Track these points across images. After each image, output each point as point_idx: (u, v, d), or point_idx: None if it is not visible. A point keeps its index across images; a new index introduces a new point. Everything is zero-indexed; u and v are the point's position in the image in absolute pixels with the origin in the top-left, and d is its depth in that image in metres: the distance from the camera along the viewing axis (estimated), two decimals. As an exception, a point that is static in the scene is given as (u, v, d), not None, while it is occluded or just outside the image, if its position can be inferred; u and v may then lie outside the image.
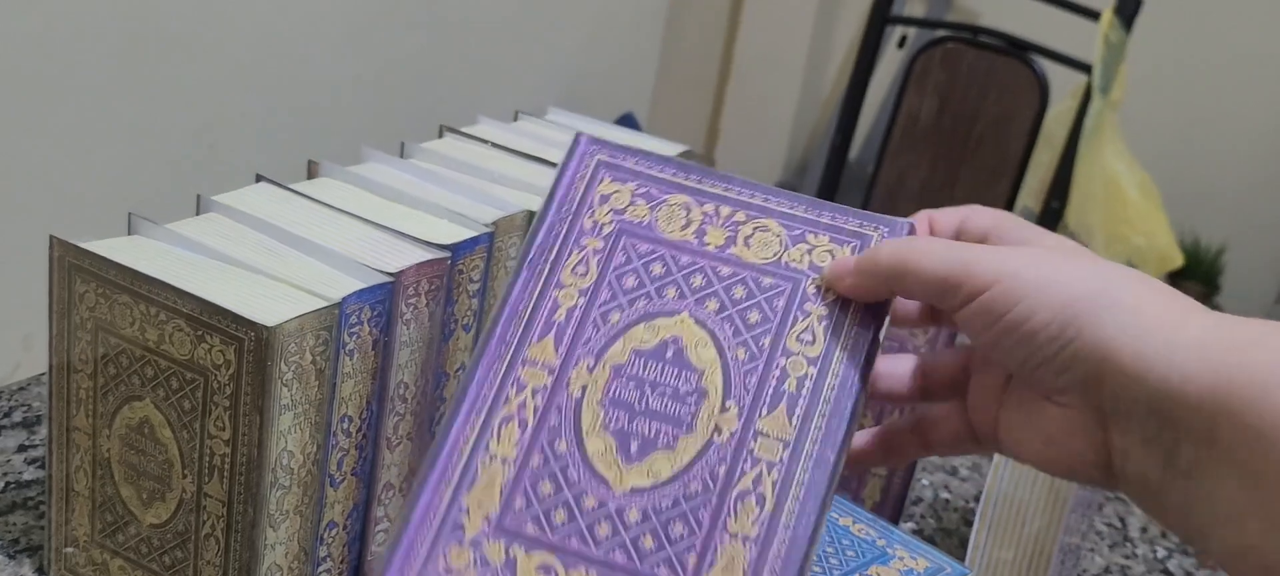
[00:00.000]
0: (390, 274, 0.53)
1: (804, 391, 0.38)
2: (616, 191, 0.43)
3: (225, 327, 0.47)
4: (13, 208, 0.88)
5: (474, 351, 0.42)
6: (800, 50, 3.19)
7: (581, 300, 0.41)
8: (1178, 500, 0.34)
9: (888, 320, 0.41)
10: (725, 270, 0.41)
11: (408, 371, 0.57)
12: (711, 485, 0.37)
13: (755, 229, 0.41)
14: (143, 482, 0.52)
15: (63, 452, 0.54)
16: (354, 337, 0.52)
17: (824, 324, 0.39)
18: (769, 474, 0.37)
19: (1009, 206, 1.92)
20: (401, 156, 0.72)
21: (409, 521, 0.37)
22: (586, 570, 0.36)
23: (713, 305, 0.40)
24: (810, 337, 0.39)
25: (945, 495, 0.82)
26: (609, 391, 0.39)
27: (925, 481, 0.83)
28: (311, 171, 0.67)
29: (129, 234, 0.54)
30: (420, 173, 0.69)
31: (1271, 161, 2.81)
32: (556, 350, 0.40)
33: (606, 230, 0.42)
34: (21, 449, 0.67)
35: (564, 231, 0.42)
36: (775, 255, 0.41)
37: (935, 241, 0.40)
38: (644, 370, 0.39)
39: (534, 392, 0.39)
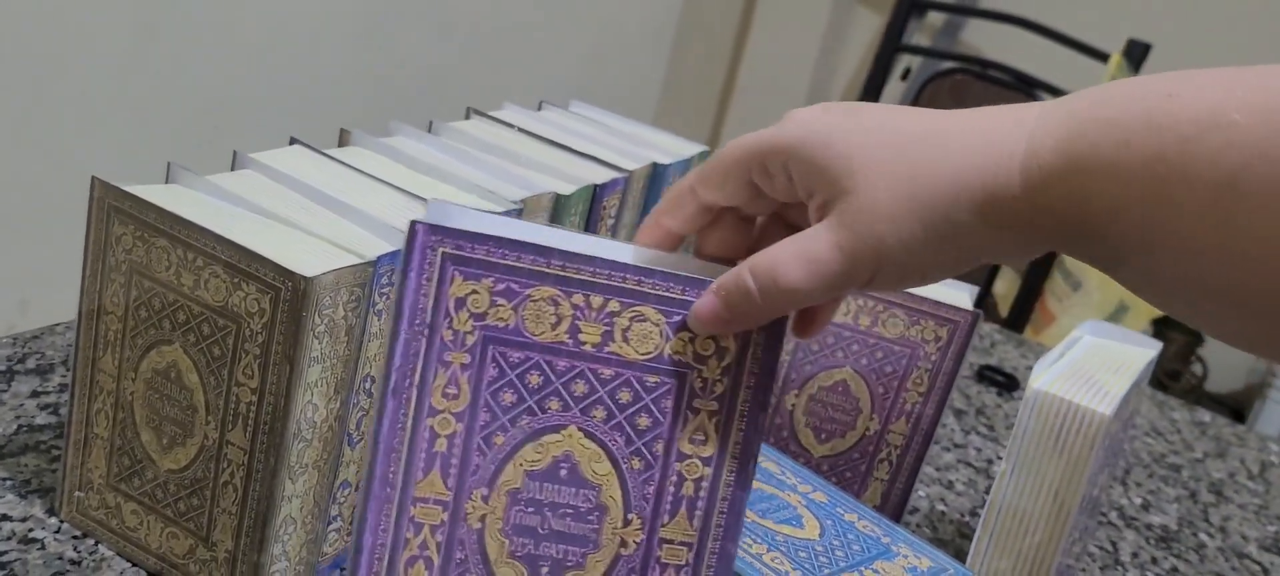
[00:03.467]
0: (422, 239, 0.54)
1: (701, 493, 0.38)
2: (473, 292, 0.37)
3: (263, 276, 0.48)
4: (13, 180, 0.88)
5: (359, 494, 0.39)
6: (804, 75, 3.22)
7: (459, 426, 0.37)
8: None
9: (772, 397, 0.40)
10: (607, 371, 0.38)
11: (430, 339, 0.58)
12: None
13: (632, 320, 0.38)
14: (164, 427, 0.53)
15: (85, 395, 0.55)
16: (383, 298, 0.52)
17: (715, 420, 0.38)
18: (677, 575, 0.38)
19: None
20: (429, 132, 0.72)
21: None
22: None
23: (599, 414, 0.38)
24: (702, 437, 0.38)
25: (941, 507, 0.83)
26: (509, 518, 0.38)
27: (922, 492, 0.84)
28: (343, 139, 0.67)
29: (167, 182, 0.55)
30: (448, 149, 0.70)
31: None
32: (445, 484, 0.38)
33: (470, 341, 0.37)
34: (34, 394, 0.67)
35: (423, 349, 0.37)
36: (656, 349, 0.38)
37: (786, 254, 0.37)
38: (540, 492, 0.38)
39: (432, 530, 0.38)
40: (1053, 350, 0.67)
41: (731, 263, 0.40)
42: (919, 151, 0.35)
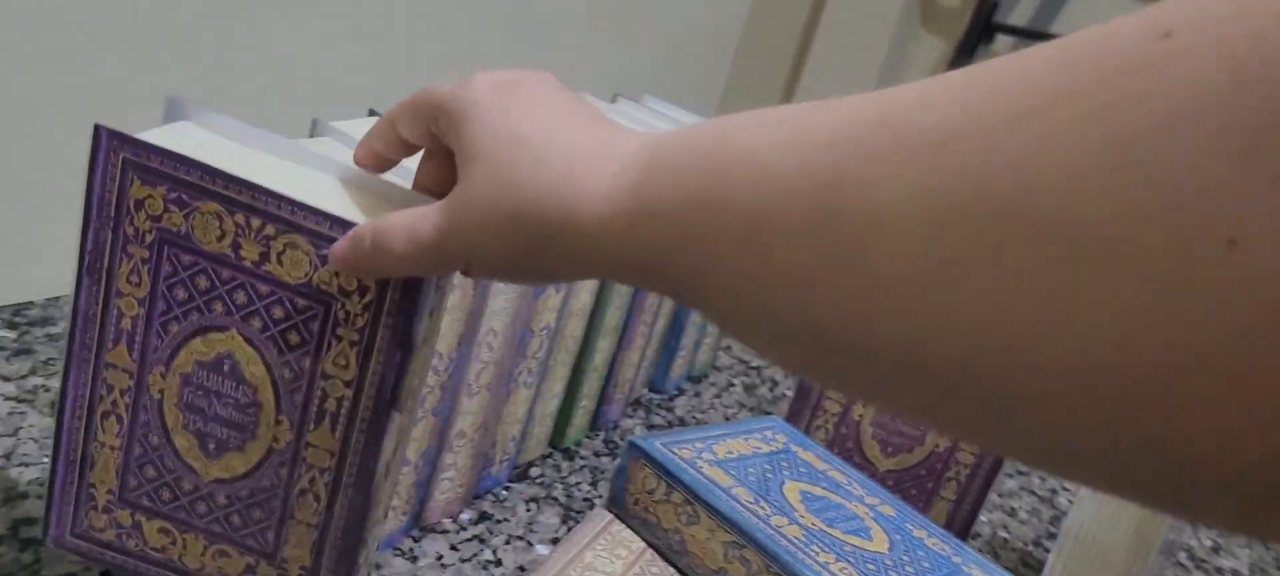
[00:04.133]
0: (499, 216, 0.53)
1: (342, 411, 0.42)
2: (149, 196, 0.40)
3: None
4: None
5: (63, 352, 0.44)
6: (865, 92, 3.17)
7: (141, 310, 0.42)
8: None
9: (419, 326, 0.41)
10: (264, 288, 0.41)
11: (499, 319, 0.57)
12: (277, 482, 0.43)
13: (286, 245, 0.40)
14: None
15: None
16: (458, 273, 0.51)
17: (355, 350, 0.41)
18: (321, 477, 0.43)
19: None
20: (505, 115, 0.71)
21: (52, 495, 0.45)
22: (195, 535, 0.45)
23: (257, 324, 0.41)
24: (344, 362, 0.41)
25: (1004, 534, 0.81)
26: (182, 397, 0.43)
27: (984, 518, 0.82)
28: (419, 114, 0.67)
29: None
30: (523, 132, 0.69)
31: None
32: (131, 355, 0.43)
33: (148, 238, 0.41)
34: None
35: (110, 238, 0.41)
36: (306, 276, 0.40)
37: (400, 222, 0.37)
38: (207, 380, 0.42)
39: (122, 393, 0.43)
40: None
41: (438, 196, 0.41)
42: (518, 155, 0.34)
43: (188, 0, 0.93)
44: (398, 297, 0.40)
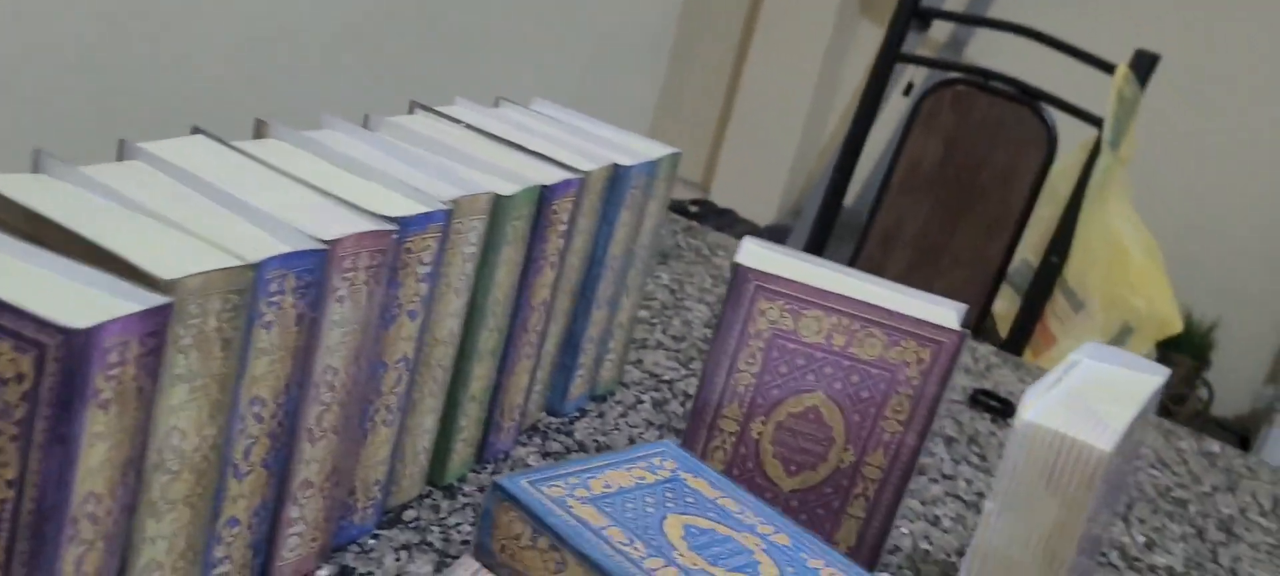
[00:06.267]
0: (324, 242, 0.47)
1: (5, 517, 0.37)
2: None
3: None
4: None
5: None
6: (805, 93, 3.15)
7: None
8: None
9: (81, 417, 0.36)
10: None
11: (338, 355, 0.51)
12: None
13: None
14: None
15: None
16: (273, 309, 0.46)
17: (16, 444, 0.36)
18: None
19: (1007, 259, 1.87)
20: (365, 127, 0.66)
21: None
22: None
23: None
24: (5, 460, 0.37)
25: (925, 546, 0.76)
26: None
27: (905, 529, 0.77)
28: (259, 131, 0.61)
29: (35, 172, 0.48)
30: (382, 145, 0.63)
31: (1272, 238, 2.77)
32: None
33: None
34: None
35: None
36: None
37: None
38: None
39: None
40: (1046, 376, 0.60)
41: None
42: None
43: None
44: (54, 383, 0.35)
